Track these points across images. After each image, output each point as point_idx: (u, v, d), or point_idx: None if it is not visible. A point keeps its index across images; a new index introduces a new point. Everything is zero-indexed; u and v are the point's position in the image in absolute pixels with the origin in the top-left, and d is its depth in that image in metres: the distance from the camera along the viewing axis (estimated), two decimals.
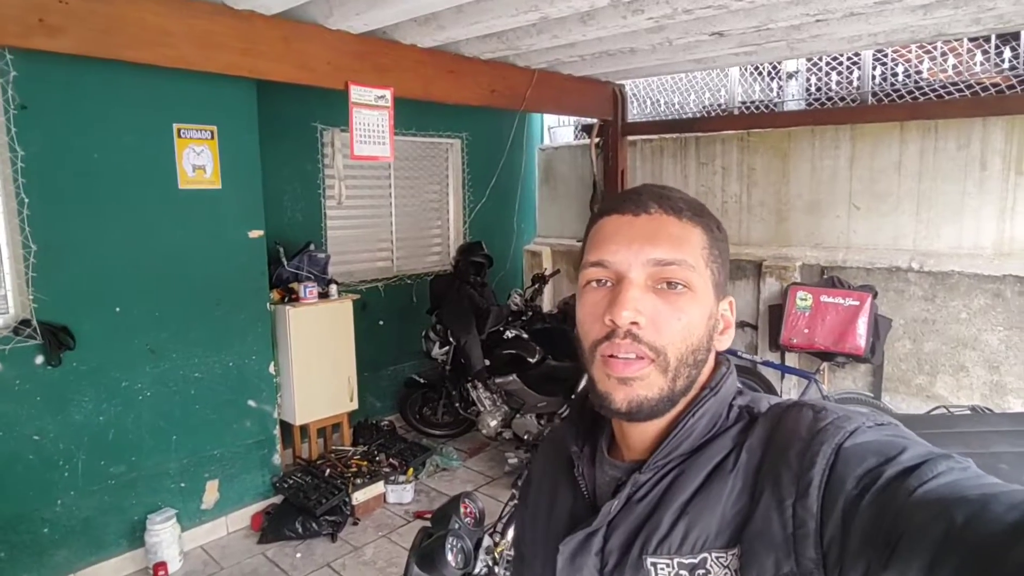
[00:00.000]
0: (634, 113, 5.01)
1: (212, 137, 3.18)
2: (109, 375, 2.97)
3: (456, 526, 1.47)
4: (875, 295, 3.68)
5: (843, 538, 0.53)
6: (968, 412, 2.40)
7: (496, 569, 1.53)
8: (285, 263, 3.87)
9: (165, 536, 3.04)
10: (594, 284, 0.68)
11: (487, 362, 4.09)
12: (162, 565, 2.87)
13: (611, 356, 0.65)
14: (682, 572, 0.62)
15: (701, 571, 0.61)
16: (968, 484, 0.50)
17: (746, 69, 4.57)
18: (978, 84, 3.65)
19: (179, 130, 3.07)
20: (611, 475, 0.71)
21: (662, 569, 0.63)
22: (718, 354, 0.72)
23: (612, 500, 0.68)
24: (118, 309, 2.97)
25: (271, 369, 3.58)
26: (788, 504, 0.57)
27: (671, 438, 0.67)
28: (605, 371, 0.66)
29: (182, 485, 3.26)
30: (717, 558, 0.61)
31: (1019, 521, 0.43)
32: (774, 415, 0.66)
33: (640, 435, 0.70)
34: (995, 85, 3.61)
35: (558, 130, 5.94)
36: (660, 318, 0.64)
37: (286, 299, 3.76)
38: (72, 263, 2.83)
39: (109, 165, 2.89)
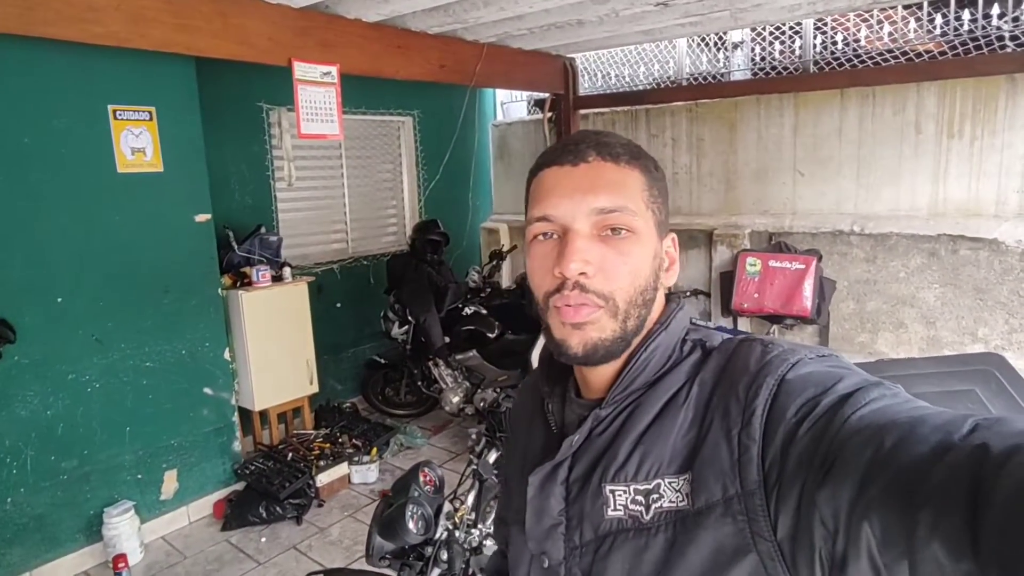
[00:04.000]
0: (585, 87, 5.02)
1: (151, 118, 3.07)
2: (54, 368, 2.87)
3: (416, 494, 1.49)
4: (820, 258, 3.82)
5: (782, 462, 0.56)
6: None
7: (457, 534, 1.56)
8: (235, 247, 3.78)
9: (123, 528, 2.99)
10: (541, 238, 0.70)
11: (447, 339, 4.10)
12: (122, 557, 2.82)
13: (564, 305, 0.67)
14: (637, 497, 0.66)
15: (655, 495, 0.65)
16: (898, 409, 0.52)
17: (693, 41, 4.62)
18: (912, 51, 3.78)
19: (115, 112, 2.95)
20: (577, 413, 0.75)
21: (619, 495, 0.67)
22: (669, 292, 0.75)
23: (574, 435, 0.72)
24: (60, 299, 2.87)
25: (226, 355, 3.51)
26: (735, 433, 0.61)
27: (626, 373, 0.70)
28: (559, 319, 0.68)
29: (139, 477, 3.20)
30: (670, 483, 0.64)
31: (941, 441, 0.46)
32: (726, 349, 0.69)
33: (598, 376, 0.73)
34: (928, 52, 3.74)
35: (511, 105, 5.91)
36: (607, 264, 0.66)
37: (238, 284, 3.69)
38: (7, 253, 2.71)
39: (41, 149, 2.77)
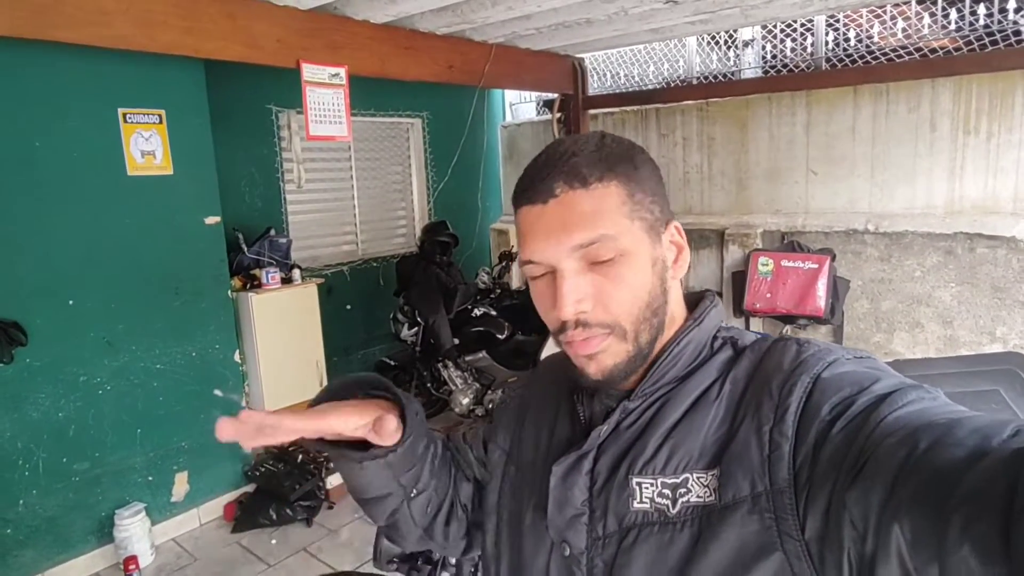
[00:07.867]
0: (595, 87, 4.99)
1: (160, 121, 3.08)
2: (66, 370, 2.88)
3: None
4: (833, 258, 3.77)
5: (813, 460, 0.56)
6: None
7: None
8: (245, 249, 3.79)
9: (135, 530, 2.99)
10: (537, 276, 0.70)
11: (456, 341, 4.09)
12: (133, 559, 2.83)
13: (570, 342, 0.68)
14: (664, 491, 0.65)
15: (683, 490, 0.64)
16: (936, 411, 0.52)
17: (703, 39, 4.58)
18: (927, 47, 3.72)
19: (124, 115, 2.96)
20: (605, 404, 0.75)
21: (646, 488, 0.66)
22: (705, 290, 0.76)
23: (602, 425, 0.71)
24: (71, 302, 2.88)
25: (236, 357, 3.52)
26: (767, 430, 0.60)
27: (656, 367, 0.69)
28: (572, 351, 0.69)
29: (150, 479, 3.20)
30: (698, 478, 0.64)
31: (979, 445, 0.45)
32: (760, 348, 0.68)
33: None
34: (943, 47, 3.69)
35: (520, 106, 5.90)
36: (603, 295, 0.66)
37: (248, 286, 3.69)
38: (19, 256, 2.73)
39: (53, 152, 2.78)
